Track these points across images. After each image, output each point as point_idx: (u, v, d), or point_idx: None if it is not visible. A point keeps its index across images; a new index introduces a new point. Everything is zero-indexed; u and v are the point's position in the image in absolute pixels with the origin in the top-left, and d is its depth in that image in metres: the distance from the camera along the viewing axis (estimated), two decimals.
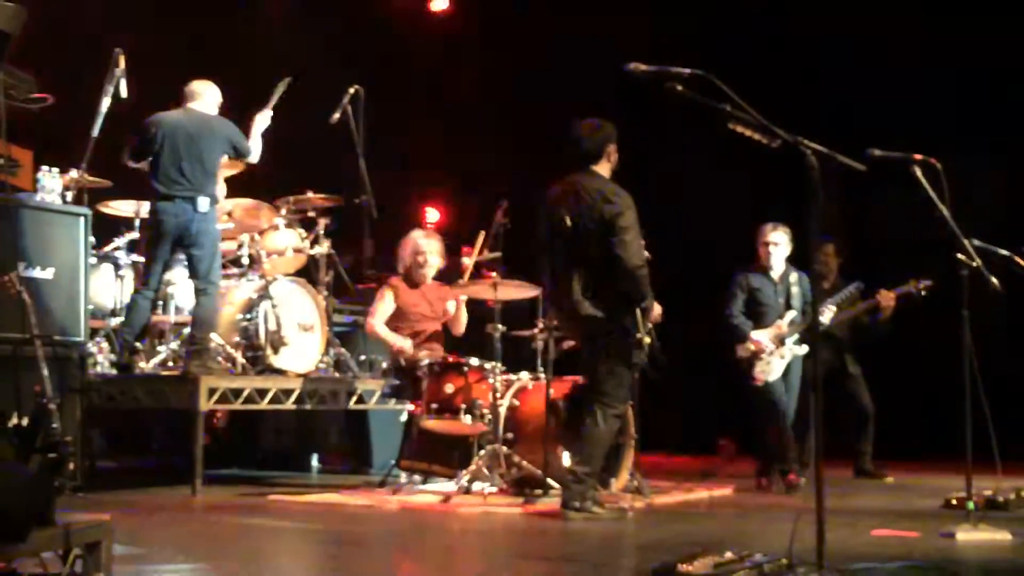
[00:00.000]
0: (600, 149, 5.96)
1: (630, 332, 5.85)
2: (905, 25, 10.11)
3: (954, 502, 6.23)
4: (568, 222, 5.88)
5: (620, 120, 6.14)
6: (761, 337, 7.63)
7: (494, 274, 7.00)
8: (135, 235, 7.80)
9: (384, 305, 7.67)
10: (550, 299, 6.36)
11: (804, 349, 7.67)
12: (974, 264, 5.37)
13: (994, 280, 5.47)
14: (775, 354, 7.61)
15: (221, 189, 7.54)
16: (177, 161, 7.08)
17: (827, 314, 7.82)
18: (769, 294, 7.79)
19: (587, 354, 6.07)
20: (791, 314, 7.72)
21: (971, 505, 5.32)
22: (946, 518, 5.63)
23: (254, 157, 7.56)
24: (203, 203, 7.07)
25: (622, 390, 5.99)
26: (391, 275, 7.84)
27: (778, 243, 7.81)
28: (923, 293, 7.77)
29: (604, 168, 5.99)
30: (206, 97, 7.37)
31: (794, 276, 7.85)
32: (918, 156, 5.06)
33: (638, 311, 5.84)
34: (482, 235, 7.38)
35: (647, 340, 5.94)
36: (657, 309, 6.18)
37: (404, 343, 7.44)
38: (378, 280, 8.11)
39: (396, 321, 7.64)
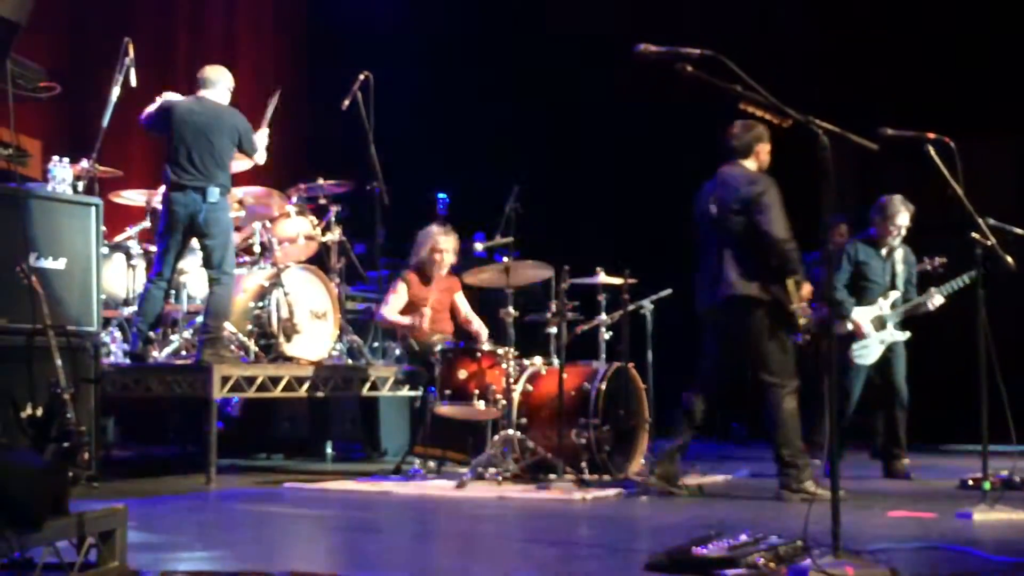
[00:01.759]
0: (749, 147, 6.26)
1: (784, 305, 6.02)
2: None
3: (970, 483, 6.22)
4: (714, 209, 6.16)
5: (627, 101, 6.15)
6: (862, 320, 7.29)
7: (506, 259, 6.97)
8: (146, 224, 7.80)
9: (397, 298, 7.66)
10: (696, 286, 6.40)
11: (905, 336, 7.40)
12: (989, 243, 5.35)
13: (1009, 259, 5.44)
14: (875, 337, 7.33)
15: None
16: (188, 151, 7.05)
17: (937, 299, 7.35)
18: (876, 269, 7.40)
19: (749, 334, 6.11)
20: (893, 295, 7.38)
21: (987, 485, 5.30)
22: (962, 499, 5.62)
23: (259, 159, 7.51)
24: (213, 193, 7.03)
25: (788, 363, 6.12)
26: (405, 268, 7.83)
27: (904, 224, 7.35)
28: (940, 270, 7.63)
29: (751, 164, 6.26)
30: (219, 84, 7.32)
31: (899, 252, 7.46)
32: (931, 135, 5.03)
33: (791, 283, 6.04)
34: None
35: (801, 314, 6.09)
36: (807, 287, 6.18)
37: (416, 319, 7.44)
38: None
39: (408, 313, 7.63)
